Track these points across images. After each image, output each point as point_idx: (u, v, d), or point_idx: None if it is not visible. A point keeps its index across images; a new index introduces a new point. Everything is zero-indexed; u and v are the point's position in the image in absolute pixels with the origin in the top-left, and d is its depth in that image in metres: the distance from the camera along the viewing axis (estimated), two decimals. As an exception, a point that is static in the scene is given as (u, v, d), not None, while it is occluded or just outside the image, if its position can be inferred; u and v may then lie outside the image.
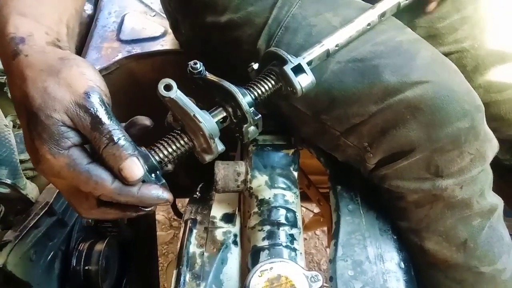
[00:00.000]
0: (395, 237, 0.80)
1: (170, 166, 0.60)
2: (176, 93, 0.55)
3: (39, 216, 0.70)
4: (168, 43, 1.19)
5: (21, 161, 0.74)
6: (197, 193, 0.85)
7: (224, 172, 0.79)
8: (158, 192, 0.54)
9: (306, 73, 0.66)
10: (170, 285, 0.72)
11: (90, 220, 0.86)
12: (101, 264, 0.79)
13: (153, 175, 0.56)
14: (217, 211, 0.82)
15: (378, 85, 0.69)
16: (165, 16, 1.23)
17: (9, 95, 1.03)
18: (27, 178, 0.76)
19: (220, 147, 0.59)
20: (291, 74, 0.65)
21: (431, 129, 0.69)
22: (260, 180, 0.81)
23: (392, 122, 0.70)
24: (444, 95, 0.68)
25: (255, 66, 0.69)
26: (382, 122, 0.71)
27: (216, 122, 0.60)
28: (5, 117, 0.82)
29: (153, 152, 0.57)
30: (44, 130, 0.49)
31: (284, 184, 0.81)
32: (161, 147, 0.58)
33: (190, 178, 1.07)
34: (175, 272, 0.73)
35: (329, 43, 0.70)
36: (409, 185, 0.74)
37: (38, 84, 0.50)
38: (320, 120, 0.76)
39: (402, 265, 0.77)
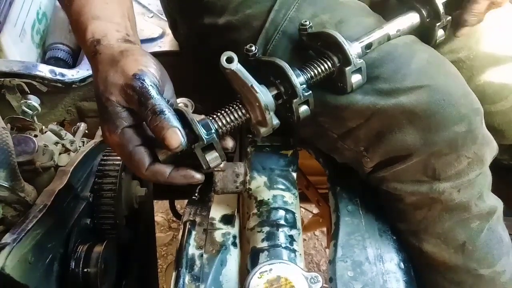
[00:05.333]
0: (394, 238, 0.80)
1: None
2: (236, 66, 0.59)
3: (37, 219, 0.70)
4: (166, 44, 1.19)
5: (19, 164, 0.74)
6: (196, 194, 0.85)
7: (223, 173, 0.79)
8: (186, 173, 0.58)
9: (360, 74, 0.68)
10: (170, 287, 0.71)
11: (88, 222, 0.86)
12: (100, 266, 0.78)
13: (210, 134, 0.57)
14: (216, 213, 0.82)
15: (370, 92, 0.69)
16: (162, 17, 1.23)
17: (6, 97, 1.02)
18: (25, 181, 0.75)
19: (275, 121, 0.62)
20: (349, 75, 0.67)
21: (427, 134, 0.68)
22: (259, 181, 0.81)
23: (388, 126, 0.70)
24: (439, 99, 0.67)
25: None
26: (378, 126, 0.71)
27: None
28: (3, 119, 0.81)
29: (212, 120, 0.60)
30: (105, 111, 0.58)
31: (283, 185, 0.81)
32: (220, 116, 0.61)
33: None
34: (174, 274, 0.73)
35: (390, 28, 0.70)
36: (407, 188, 0.74)
37: (102, 74, 0.59)
38: (318, 123, 0.76)
39: (402, 265, 0.77)
